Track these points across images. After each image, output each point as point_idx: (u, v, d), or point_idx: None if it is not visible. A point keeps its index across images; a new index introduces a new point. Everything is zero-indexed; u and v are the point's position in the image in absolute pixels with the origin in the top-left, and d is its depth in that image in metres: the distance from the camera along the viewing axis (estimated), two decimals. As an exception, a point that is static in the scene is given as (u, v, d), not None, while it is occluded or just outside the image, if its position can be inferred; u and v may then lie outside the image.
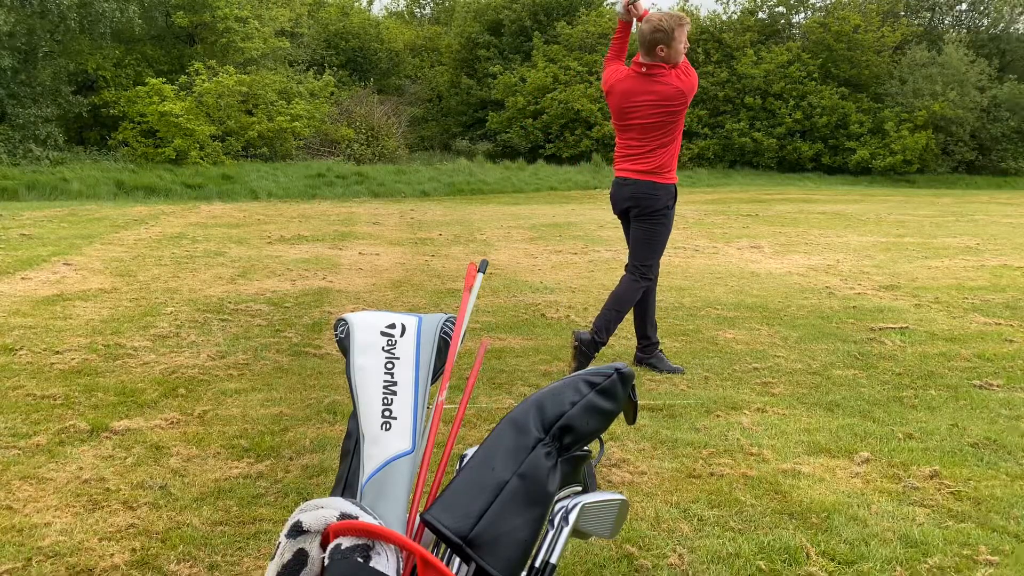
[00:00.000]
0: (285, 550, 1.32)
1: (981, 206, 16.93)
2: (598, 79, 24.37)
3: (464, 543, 1.34)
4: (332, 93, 24.04)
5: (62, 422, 3.66)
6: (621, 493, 1.75)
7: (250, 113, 21.14)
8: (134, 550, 2.59)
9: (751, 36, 27.41)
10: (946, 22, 30.14)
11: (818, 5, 28.26)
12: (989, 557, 2.62)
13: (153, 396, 4.07)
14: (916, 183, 24.88)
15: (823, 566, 2.57)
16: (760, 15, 28.36)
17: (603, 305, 4.68)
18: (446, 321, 1.76)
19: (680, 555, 2.61)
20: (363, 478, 1.52)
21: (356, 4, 32.66)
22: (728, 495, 3.06)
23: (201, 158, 19.28)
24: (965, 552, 2.66)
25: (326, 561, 1.29)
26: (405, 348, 1.68)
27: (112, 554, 2.56)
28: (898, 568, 2.56)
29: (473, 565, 1.35)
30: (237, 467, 3.24)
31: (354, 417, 1.60)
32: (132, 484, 3.06)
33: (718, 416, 3.92)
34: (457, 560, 1.42)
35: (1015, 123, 25.92)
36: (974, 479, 3.24)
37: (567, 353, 4.80)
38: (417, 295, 6.78)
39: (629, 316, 4.81)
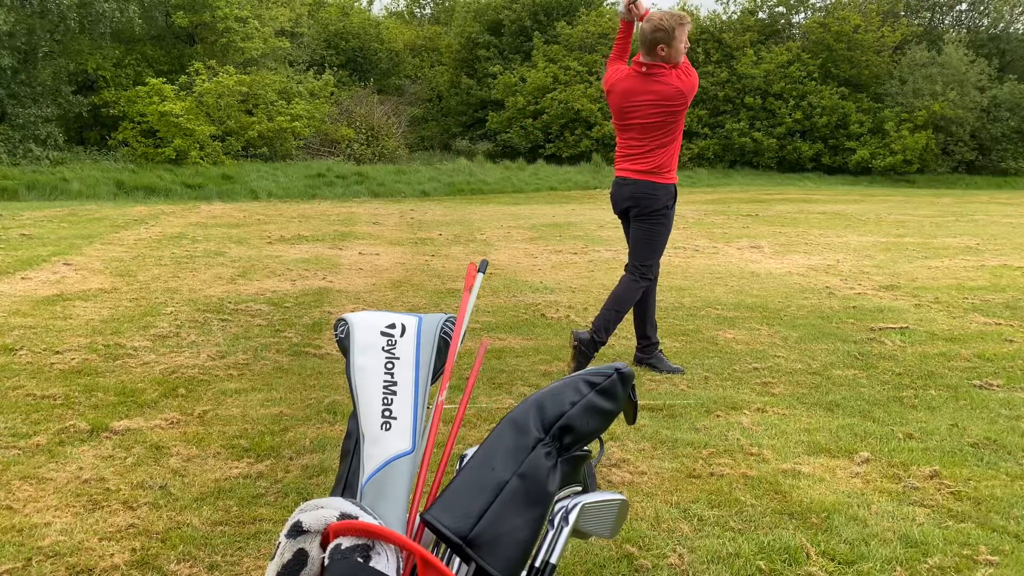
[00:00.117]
0: (285, 550, 1.32)
1: (981, 206, 16.92)
2: (598, 79, 24.40)
3: (464, 543, 1.34)
4: (332, 93, 24.04)
5: (62, 422, 3.66)
6: (621, 493, 1.75)
7: (250, 113, 21.15)
8: (134, 550, 2.59)
9: (751, 36, 27.42)
10: (946, 22, 30.16)
11: (818, 5, 28.30)
12: (989, 557, 2.62)
13: (153, 396, 4.07)
14: (916, 183, 24.88)
15: (823, 566, 2.57)
16: (760, 15, 28.37)
17: (603, 305, 4.69)
18: (446, 321, 1.76)
19: (680, 555, 2.61)
20: (363, 478, 1.52)
21: (356, 4, 32.67)
22: (728, 495, 3.06)
23: (201, 158, 19.28)
24: (965, 552, 2.66)
25: (326, 561, 1.29)
26: (405, 348, 1.68)
27: (112, 554, 2.56)
28: (898, 568, 2.56)
29: (473, 565, 1.35)
30: (237, 467, 3.24)
31: (354, 417, 1.60)
32: (132, 484, 3.06)
33: (718, 416, 3.92)
34: (457, 560, 1.42)
35: (1015, 123, 25.93)
36: (974, 479, 3.24)
37: (567, 353, 4.80)
38: (417, 295, 6.78)
39: (629, 316, 4.82)
